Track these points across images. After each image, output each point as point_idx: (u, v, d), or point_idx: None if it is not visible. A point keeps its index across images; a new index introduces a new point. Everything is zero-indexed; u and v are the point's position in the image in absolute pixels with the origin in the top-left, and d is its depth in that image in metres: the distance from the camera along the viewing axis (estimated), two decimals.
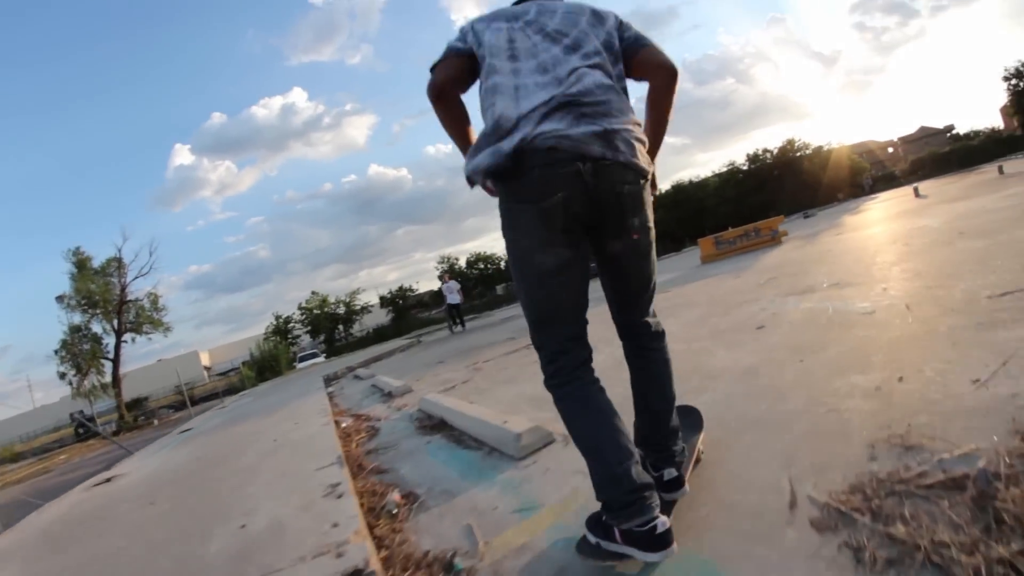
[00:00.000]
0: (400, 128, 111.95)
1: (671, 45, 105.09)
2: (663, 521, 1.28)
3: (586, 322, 1.47)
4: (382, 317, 46.30)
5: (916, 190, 16.80)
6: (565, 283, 1.39)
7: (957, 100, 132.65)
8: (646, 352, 1.58)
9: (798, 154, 46.23)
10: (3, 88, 62.79)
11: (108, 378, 32.99)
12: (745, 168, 47.46)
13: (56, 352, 32.34)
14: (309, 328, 44.83)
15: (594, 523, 1.40)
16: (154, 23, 73.74)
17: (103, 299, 33.21)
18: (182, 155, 78.69)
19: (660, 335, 1.60)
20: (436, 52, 1.53)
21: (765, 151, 47.92)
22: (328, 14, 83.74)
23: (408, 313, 45.79)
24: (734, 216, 43.55)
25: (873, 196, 31.32)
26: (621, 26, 1.56)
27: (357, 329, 44.81)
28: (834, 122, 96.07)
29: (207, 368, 60.17)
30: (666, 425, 1.56)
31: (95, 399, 32.53)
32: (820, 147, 47.05)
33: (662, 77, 1.53)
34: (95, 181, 72.53)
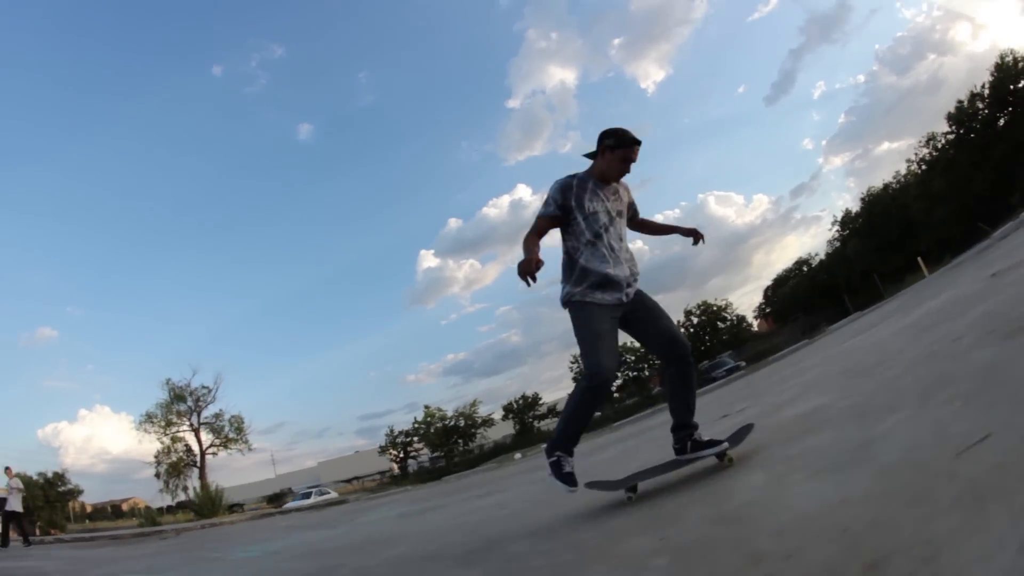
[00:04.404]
0: None
1: (857, 41, 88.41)
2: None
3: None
4: (508, 429, 43.73)
5: None
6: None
7: None
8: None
9: (1021, 83, 32.88)
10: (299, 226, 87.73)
11: (196, 481, 37.41)
12: (951, 135, 35.31)
13: (155, 456, 38.68)
14: (423, 443, 44.01)
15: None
16: (381, 155, 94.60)
17: (185, 420, 39.07)
18: (428, 259, 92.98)
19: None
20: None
21: (973, 96, 35.22)
22: (529, 112, 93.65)
23: (534, 425, 42.91)
24: (958, 218, 32.56)
25: None
26: None
27: (480, 442, 42.68)
28: None
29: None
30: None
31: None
32: None
33: None
34: (360, 287, 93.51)
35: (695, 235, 3.09)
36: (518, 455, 29.68)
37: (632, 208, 3.02)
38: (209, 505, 26.57)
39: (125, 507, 60.38)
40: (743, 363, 30.54)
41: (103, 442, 65.72)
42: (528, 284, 2.55)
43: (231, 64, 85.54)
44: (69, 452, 58.89)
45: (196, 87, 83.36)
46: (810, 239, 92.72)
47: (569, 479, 2.69)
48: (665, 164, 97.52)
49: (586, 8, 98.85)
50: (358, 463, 57.06)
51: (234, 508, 34.81)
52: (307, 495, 29.71)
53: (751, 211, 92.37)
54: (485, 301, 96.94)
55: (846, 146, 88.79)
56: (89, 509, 42.95)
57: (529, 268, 2.54)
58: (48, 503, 35.89)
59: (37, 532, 27.23)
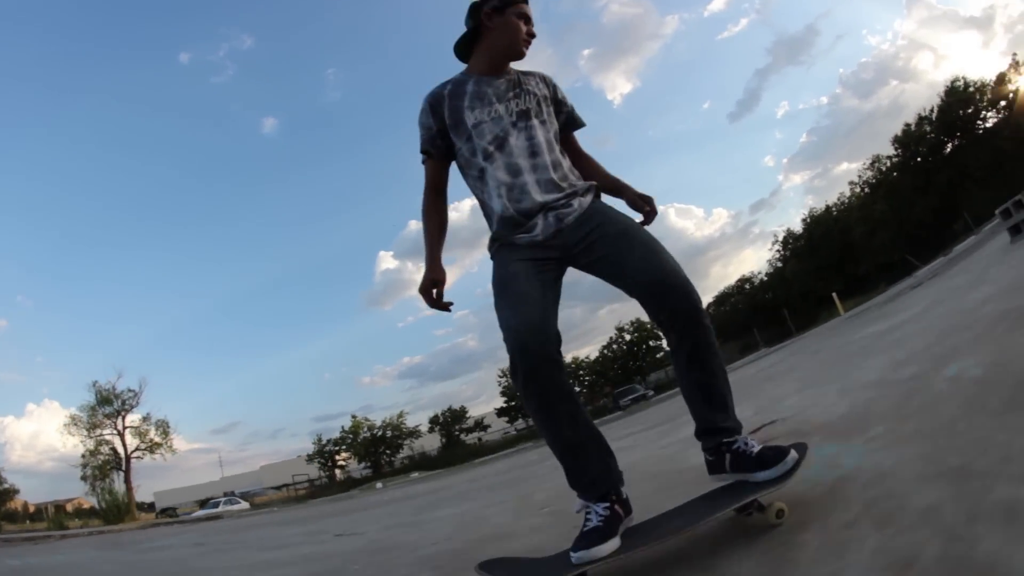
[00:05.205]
0: None
1: (822, 64, 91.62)
2: None
3: None
4: (438, 440, 43.68)
5: None
6: None
7: None
8: None
9: (971, 109, 32.41)
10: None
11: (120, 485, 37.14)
12: (897, 158, 34.72)
13: (82, 457, 38.32)
14: (349, 453, 43.70)
15: None
16: (345, 153, 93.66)
17: (109, 423, 38.08)
18: (387, 261, 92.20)
19: None
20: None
21: (921, 120, 34.72)
22: None
23: (460, 439, 42.58)
24: (896, 244, 31.80)
25: None
26: None
27: (406, 454, 42.80)
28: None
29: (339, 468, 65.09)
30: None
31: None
32: (1003, 75, 32.37)
33: None
34: (317, 286, 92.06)
35: (646, 211, 1.96)
36: (379, 484, 28.98)
37: (561, 106, 1.94)
38: (115, 511, 27.19)
39: (69, 507, 60.87)
40: (651, 392, 30.85)
41: (51, 439, 63.25)
42: (448, 311, 1.96)
43: (199, 53, 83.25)
44: (15, 448, 55.21)
45: (161, 75, 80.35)
46: (767, 253, 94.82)
47: (584, 540, 1.49)
48: (627, 175, 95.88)
49: (559, 18, 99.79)
50: (301, 468, 56.54)
51: (167, 512, 34.19)
52: (216, 504, 30.27)
53: (710, 224, 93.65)
54: None
55: (806, 165, 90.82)
56: (32, 509, 41.55)
57: (428, 298, 1.87)
58: None
59: None
